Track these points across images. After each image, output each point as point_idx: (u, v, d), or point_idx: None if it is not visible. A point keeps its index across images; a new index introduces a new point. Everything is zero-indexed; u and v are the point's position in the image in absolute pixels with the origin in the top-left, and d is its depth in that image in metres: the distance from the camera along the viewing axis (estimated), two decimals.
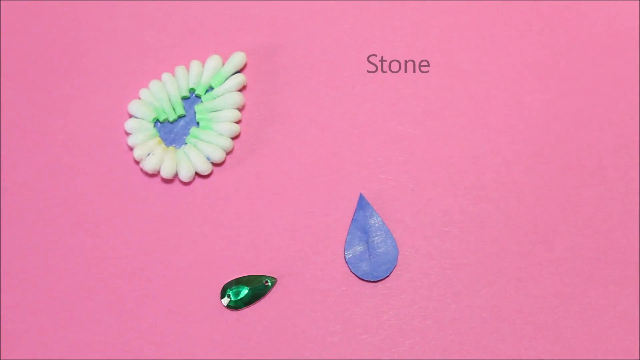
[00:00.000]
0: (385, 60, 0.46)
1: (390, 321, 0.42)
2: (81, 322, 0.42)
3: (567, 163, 0.44)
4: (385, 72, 0.46)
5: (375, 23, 0.47)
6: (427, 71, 0.46)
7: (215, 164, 0.45)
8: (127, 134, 0.45)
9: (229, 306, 0.42)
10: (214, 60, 0.46)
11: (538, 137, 0.44)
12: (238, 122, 0.45)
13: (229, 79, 0.46)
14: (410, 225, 0.43)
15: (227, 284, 0.42)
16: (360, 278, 0.42)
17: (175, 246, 0.43)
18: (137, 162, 0.45)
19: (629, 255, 0.42)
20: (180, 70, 0.46)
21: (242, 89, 0.46)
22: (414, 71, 0.46)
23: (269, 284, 0.42)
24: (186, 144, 0.45)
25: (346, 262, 0.42)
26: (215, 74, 0.46)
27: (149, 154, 0.44)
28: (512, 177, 0.44)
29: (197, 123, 0.45)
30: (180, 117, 0.45)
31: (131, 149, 0.45)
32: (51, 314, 0.42)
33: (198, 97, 0.46)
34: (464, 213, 0.43)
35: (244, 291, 0.42)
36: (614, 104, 0.45)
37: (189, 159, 0.44)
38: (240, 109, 0.45)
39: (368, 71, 0.46)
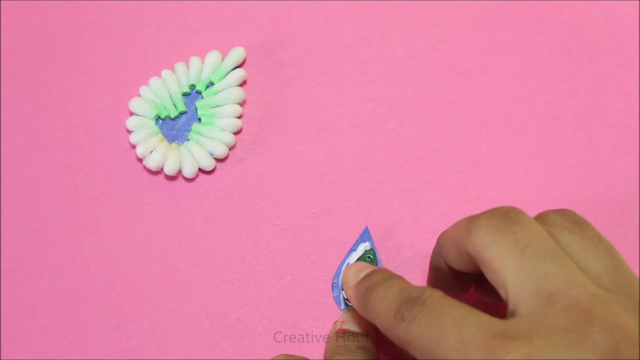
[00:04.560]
0: (386, 61, 0.46)
1: None
2: (81, 322, 0.42)
3: (568, 163, 0.44)
4: (385, 72, 0.46)
5: (375, 23, 0.47)
6: (428, 71, 0.46)
7: (218, 160, 0.45)
8: (129, 131, 0.45)
9: None
10: (213, 56, 0.46)
11: (538, 137, 0.45)
12: (240, 116, 0.45)
13: (229, 74, 0.46)
14: (410, 227, 0.43)
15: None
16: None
17: (181, 243, 0.43)
18: (140, 160, 0.45)
19: (629, 253, 0.43)
20: (180, 66, 0.46)
21: (243, 83, 0.46)
22: (415, 71, 0.46)
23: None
24: (188, 140, 0.45)
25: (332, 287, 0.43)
26: (215, 69, 0.46)
27: (151, 152, 0.44)
28: (512, 178, 0.44)
29: (199, 119, 0.45)
30: (181, 113, 0.46)
31: (133, 146, 0.45)
32: (51, 314, 0.42)
33: (199, 93, 0.46)
34: (464, 215, 0.43)
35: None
36: (614, 104, 0.45)
37: (192, 155, 0.44)
38: (242, 103, 0.46)
39: (368, 71, 0.46)
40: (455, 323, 0.30)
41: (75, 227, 0.44)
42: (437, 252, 0.38)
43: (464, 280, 0.38)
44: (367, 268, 0.38)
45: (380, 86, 0.46)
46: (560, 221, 0.34)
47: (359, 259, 0.42)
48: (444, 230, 0.37)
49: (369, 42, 0.47)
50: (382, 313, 0.34)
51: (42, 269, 0.43)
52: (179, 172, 0.44)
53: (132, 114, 0.45)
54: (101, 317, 0.42)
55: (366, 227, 0.43)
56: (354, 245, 0.43)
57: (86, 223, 0.44)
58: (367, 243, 0.42)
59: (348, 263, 0.42)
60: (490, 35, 0.47)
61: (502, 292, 0.31)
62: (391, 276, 0.35)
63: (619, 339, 0.28)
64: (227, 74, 0.46)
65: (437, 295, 0.32)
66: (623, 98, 0.45)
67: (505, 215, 0.33)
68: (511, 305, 0.31)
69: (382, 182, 0.44)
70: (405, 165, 0.44)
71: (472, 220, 0.33)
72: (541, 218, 0.34)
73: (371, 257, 0.42)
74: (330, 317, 0.42)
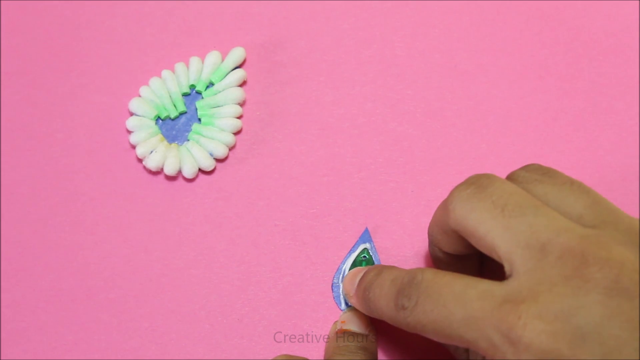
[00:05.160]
0: (386, 61, 0.46)
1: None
2: (82, 322, 0.42)
3: (568, 164, 0.44)
4: (385, 72, 0.46)
5: (375, 23, 0.47)
6: (428, 71, 0.46)
7: (218, 160, 0.45)
8: (129, 132, 0.45)
9: None
10: (213, 56, 0.46)
11: (538, 137, 0.45)
12: (240, 117, 0.45)
13: (229, 74, 0.46)
14: (410, 227, 0.43)
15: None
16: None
17: (181, 243, 0.43)
18: (140, 160, 0.45)
19: None
20: (180, 66, 0.46)
21: (243, 84, 0.46)
22: (414, 71, 0.46)
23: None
24: (188, 140, 0.45)
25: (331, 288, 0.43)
26: (215, 69, 0.46)
27: (151, 152, 0.44)
28: None
29: (199, 119, 0.45)
30: (181, 113, 0.46)
31: (133, 147, 0.45)
32: (51, 314, 0.42)
33: (199, 93, 0.46)
34: None
35: None
36: (614, 104, 0.45)
37: (192, 155, 0.44)
38: (242, 103, 0.46)
39: (368, 71, 0.46)
40: (457, 300, 0.30)
41: (75, 227, 0.44)
42: (431, 242, 0.38)
43: (468, 265, 0.38)
44: (360, 272, 0.38)
45: (380, 86, 0.46)
46: (529, 175, 0.34)
47: (355, 259, 0.42)
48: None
49: (369, 42, 0.47)
50: (385, 309, 0.34)
51: (42, 269, 0.43)
52: (179, 172, 0.44)
53: (132, 114, 0.45)
54: (101, 317, 0.42)
55: (366, 228, 0.43)
56: (353, 246, 0.42)
57: (86, 223, 0.44)
58: (367, 244, 0.42)
59: (347, 263, 0.42)
60: (490, 35, 0.47)
61: (494, 256, 0.31)
62: (381, 270, 0.36)
63: (618, 272, 0.28)
64: (227, 74, 0.46)
65: (430, 274, 0.32)
66: (623, 98, 0.45)
67: (477, 182, 0.33)
68: (507, 265, 0.31)
69: (382, 182, 0.44)
70: (405, 165, 0.44)
71: (447, 198, 0.33)
72: (510, 179, 0.34)
73: (367, 256, 0.42)
74: (330, 317, 0.42)
